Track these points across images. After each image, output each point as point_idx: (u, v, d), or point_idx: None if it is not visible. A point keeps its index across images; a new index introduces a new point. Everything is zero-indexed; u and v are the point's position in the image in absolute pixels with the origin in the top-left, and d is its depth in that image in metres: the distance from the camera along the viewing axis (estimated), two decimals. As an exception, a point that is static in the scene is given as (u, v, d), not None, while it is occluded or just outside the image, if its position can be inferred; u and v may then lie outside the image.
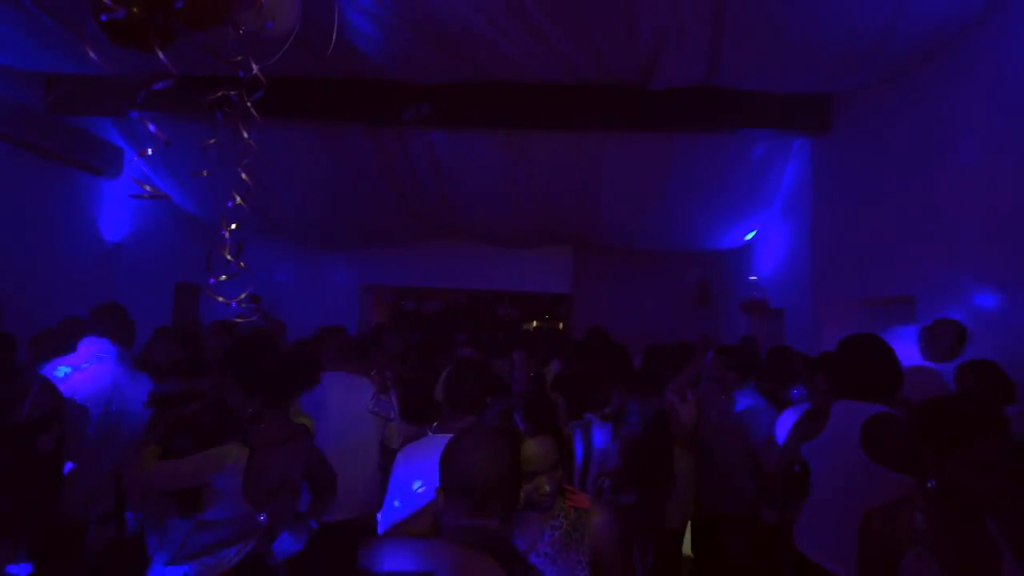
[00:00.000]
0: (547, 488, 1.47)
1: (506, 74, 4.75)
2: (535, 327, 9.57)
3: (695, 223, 6.83)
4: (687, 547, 3.57)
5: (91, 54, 1.61)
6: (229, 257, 2.22)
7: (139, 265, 6.62)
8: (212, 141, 1.93)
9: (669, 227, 6.93)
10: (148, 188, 2.04)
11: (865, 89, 4.58)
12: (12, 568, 2.00)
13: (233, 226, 2.17)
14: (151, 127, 1.80)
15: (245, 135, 1.88)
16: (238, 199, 1.99)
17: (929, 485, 1.47)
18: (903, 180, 4.17)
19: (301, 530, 1.73)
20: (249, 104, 1.80)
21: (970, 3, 3.38)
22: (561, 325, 9.41)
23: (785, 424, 2.88)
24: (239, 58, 1.74)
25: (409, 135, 5.84)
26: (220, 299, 2.35)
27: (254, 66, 1.73)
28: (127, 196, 6.21)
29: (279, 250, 8.40)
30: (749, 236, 7.06)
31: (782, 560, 2.60)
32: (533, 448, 1.46)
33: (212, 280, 2.23)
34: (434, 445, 1.92)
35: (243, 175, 1.93)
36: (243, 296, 2.68)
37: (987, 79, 3.47)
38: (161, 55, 1.52)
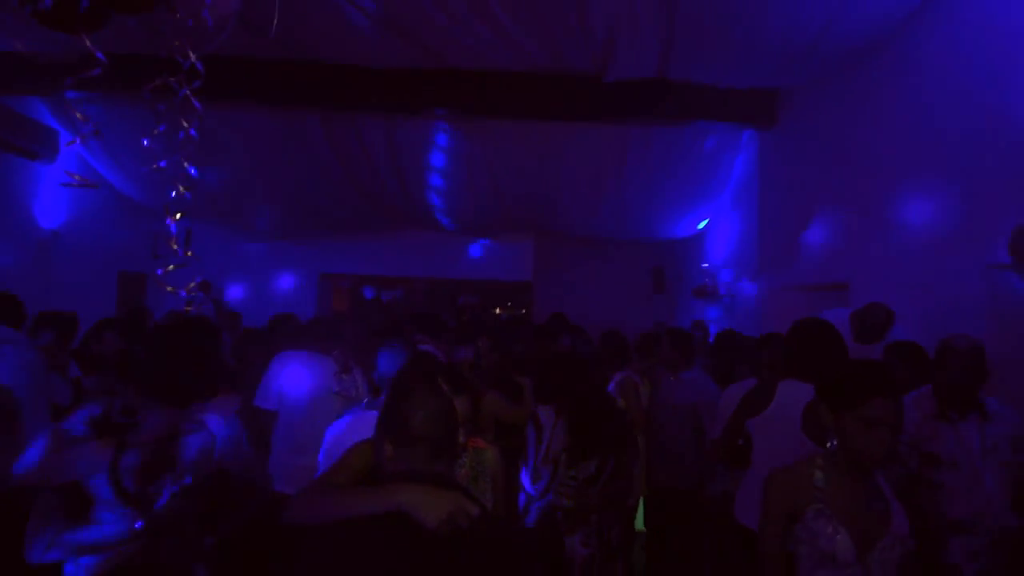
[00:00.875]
0: (460, 439, 1.69)
1: (461, 61, 4.73)
2: (497, 313, 9.63)
3: (650, 212, 6.99)
4: (639, 522, 3.73)
5: (17, 44, 1.53)
6: (175, 247, 2.17)
7: (79, 253, 6.28)
8: (156, 132, 1.85)
9: (625, 215, 7.07)
10: (77, 177, 1.96)
11: (807, 86, 4.79)
12: None
13: (179, 215, 2.12)
14: (82, 113, 1.72)
15: (185, 124, 1.82)
16: (182, 189, 1.94)
17: (829, 446, 1.59)
18: (838, 173, 4.41)
19: (191, 544, 1.55)
20: (189, 92, 1.74)
21: (896, 9, 3.61)
22: (524, 312, 9.50)
23: (730, 398, 3.00)
24: (176, 43, 1.67)
25: (362, 121, 5.73)
26: (169, 289, 2.30)
27: (191, 55, 1.67)
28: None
29: (234, 239, 8.13)
30: (701, 225, 7.28)
31: (726, 532, 2.75)
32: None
33: (160, 271, 2.18)
34: (359, 423, 1.98)
35: (185, 163, 1.88)
36: (192, 285, 2.62)
37: (911, 80, 3.71)
38: (88, 43, 1.45)
